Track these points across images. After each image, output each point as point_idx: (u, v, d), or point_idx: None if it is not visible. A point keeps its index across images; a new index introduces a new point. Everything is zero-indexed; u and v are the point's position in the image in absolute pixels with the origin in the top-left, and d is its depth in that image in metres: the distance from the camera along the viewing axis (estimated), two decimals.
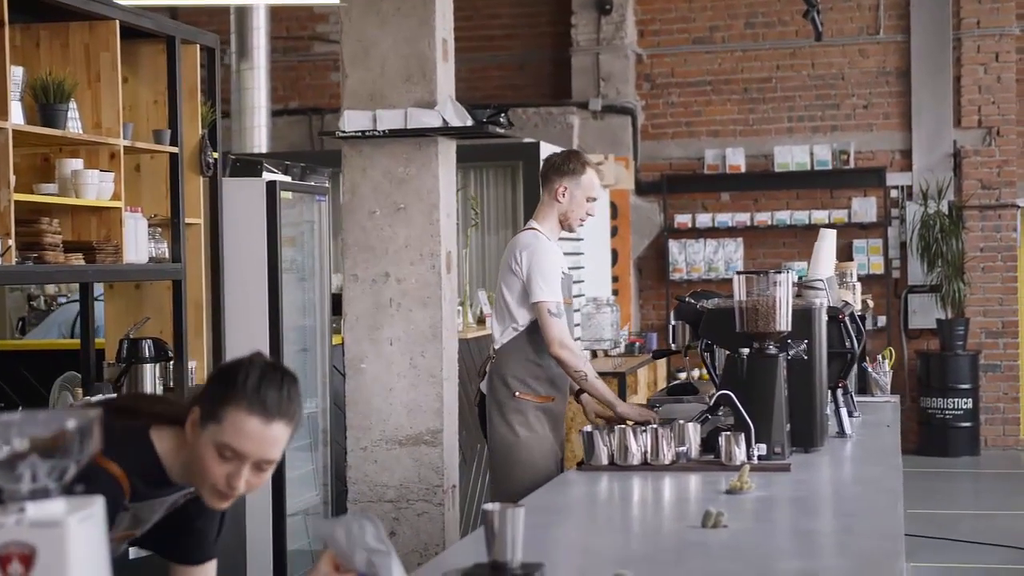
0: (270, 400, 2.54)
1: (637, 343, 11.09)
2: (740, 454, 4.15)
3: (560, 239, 5.32)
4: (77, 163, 4.95)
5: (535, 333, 5.12)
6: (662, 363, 11.16)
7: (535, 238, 5.18)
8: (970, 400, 12.18)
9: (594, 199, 5.29)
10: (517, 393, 5.15)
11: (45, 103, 4.72)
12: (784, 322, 4.36)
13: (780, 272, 4.39)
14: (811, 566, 2.96)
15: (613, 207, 12.36)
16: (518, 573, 2.71)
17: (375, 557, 2.48)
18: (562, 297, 5.10)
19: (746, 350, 4.38)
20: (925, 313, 12.50)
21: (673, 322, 5.15)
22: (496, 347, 5.25)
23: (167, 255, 5.47)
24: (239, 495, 2.61)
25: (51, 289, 8.60)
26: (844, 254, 12.29)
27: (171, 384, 5.49)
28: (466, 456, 7.05)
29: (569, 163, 5.25)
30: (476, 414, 5.46)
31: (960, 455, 12.12)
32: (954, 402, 12.16)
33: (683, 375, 12.25)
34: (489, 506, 2.71)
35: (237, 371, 2.57)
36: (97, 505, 1.76)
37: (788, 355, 4.42)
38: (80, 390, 5.37)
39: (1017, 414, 12.58)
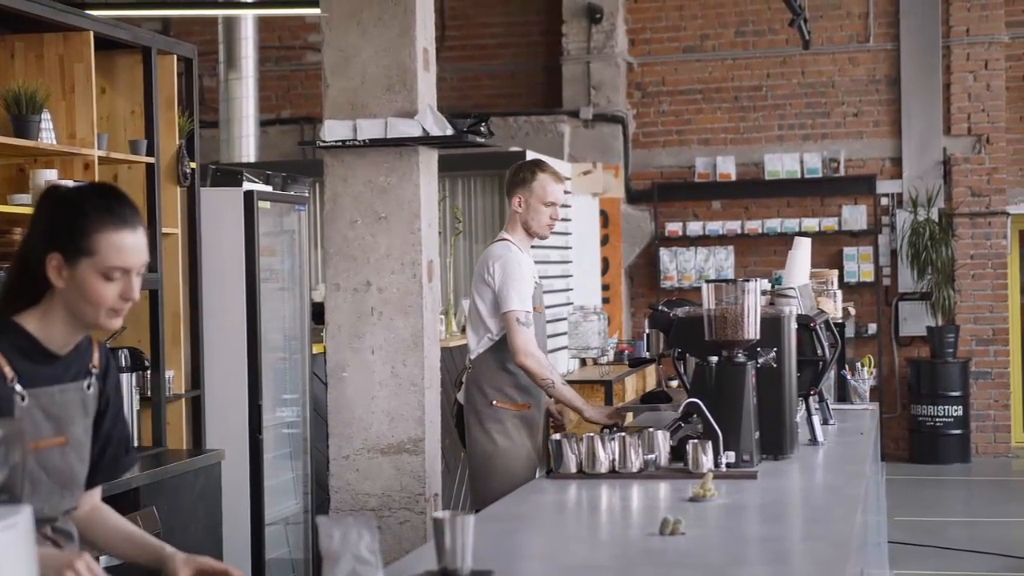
0: (125, 213, 2.68)
1: (627, 351, 11.10)
2: (707, 462, 4.16)
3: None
4: (51, 173, 4.97)
5: None
6: (651, 371, 11.17)
7: (507, 249, 5.26)
8: (960, 407, 12.19)
9: (552, 203, 5.34)
10: (494, 402, 5.23)
11: (17, 114, 4.74)
12: (752, 330, 4.37)
13: (749, 280, 4.40)
14: (762, 572, 2.98)
15: (604, 215, 12.39)
16: None
17: (360, 567, 2.50)
18: (531, 307, 5.16)
19: (715, 358, 4.39)
20: (916, 320, 12.51)
21: (647, 330, 5.18)
22: (472, 357, 5.33)
23: None
24: (129, 307, 2.70)
25: None
26: (834, 262, 12.31)
27: (148, 394, 5.51)
28: (449, 464, 7.06)
29: (519, 173, 5.38)
30: (455, 424, 5.50)
31: (951, 462, 12.12)
32: (944, 409, 12.17)
33: (674, 383, 12.26)
34: (438, 514, 2.73)
35: (78, 203, 2.67)
36: (23, 514, 1.78)
37: (757, 363, 4.43)
38: None
39: (1008, 421, 12.59)
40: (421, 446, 5.80)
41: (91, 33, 5.11)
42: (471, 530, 2.73)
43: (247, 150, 10.42)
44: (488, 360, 5.26)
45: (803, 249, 5.54)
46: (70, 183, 2.75)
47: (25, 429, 1.82)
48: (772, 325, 4.52)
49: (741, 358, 4.39)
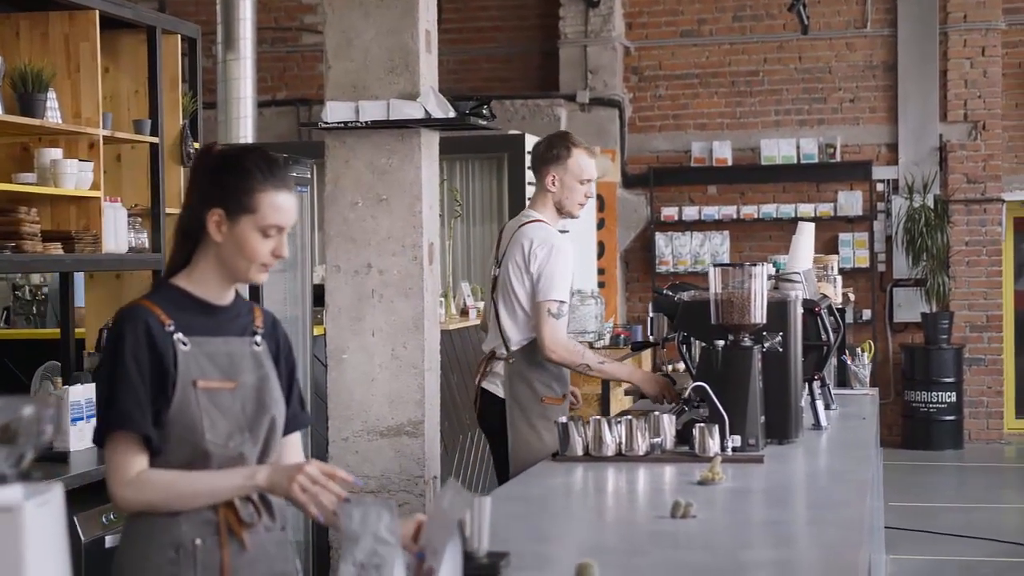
0: (284, 175, 2.87)
1: (623, 335, 11.11)
2: (714, 446, 4.17)
3: None
4: (56, 152, 4.95)
5: None
6: (647, 355, 11.19)
7: (549, 233, 5.03)
8: (954, 393, 12.22)
9: (588, 180, 5.10)
10: (544, 399, 5.03)
11: (24, 92, 4.72)
12: (759, 314, 4.37)
13: (755, 265, 4.40)
14: (774, 555, 2.99)
15: (600, 200, 12.38)
16: (484, 562, 2.74)
17: (380, 547, 2.52)
18: (567, 294, 4.97)
19: (721, 342, 4.39)
20: (910, 307, 12.54)
21: (651, 314, 5.15)
22: (512, 347, 5.07)
23: (147, 245, 5.48)
24: (276, 263, 2.88)
25: (36, 279, 8.59)
26: (830, 247, 12.33)
27: None
28: (447, 447, 7.07)
29: (553, 149, 5.11)
30: (477, 414, 5.31)
31: (944, 448, 12.16)
32: (938, 395, 12.20)
33: (668, 367, 12.28)
34: None
35: (243, 163, 2.84)
36: (55, 492, 1.78)
37: (763, 347, 4.43)
38: (60, 379, 5.38)
39: (1000, 408, 12.62)
40: (421, 429, 5.81)
41: (96, 12, 5.09)
42: (488, 511, 2.73)
43: (244, 131, 10.35)
44: (533, 352, 5.01)
45: (807, 234, 5.54)
46: (221, 145, 2.92)
47: (52, 405, 1.82)
48: (778, 309, 4.53)
49: (747, 342, 4.39)
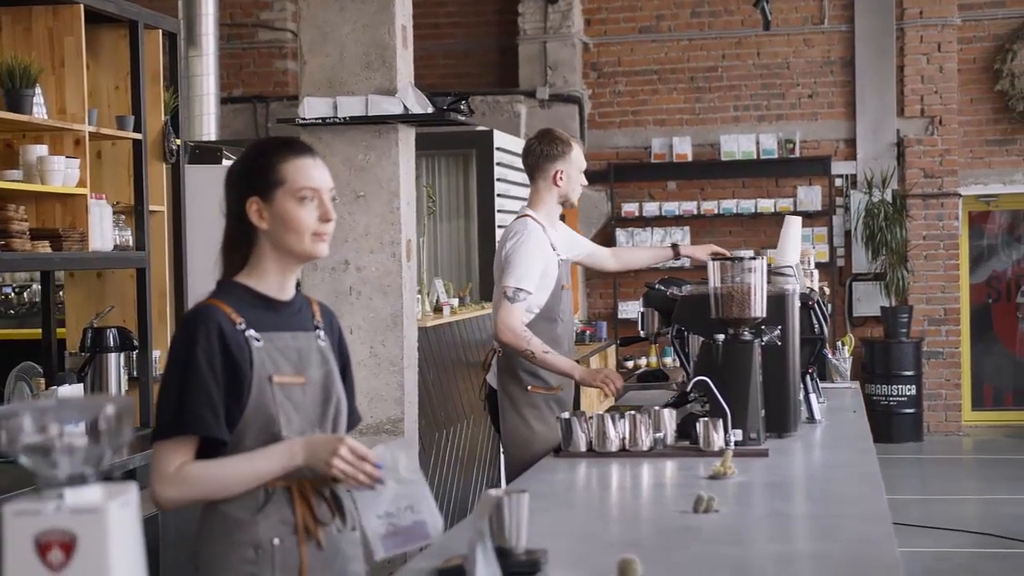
0: (301, 145, 2.88)
1: (587, 332, 11.14)
2: (719, 440, 4.17)
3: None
4: (42, 149, 4.87)
5: (541, 324, 5.05)
6: (612, 351, 11.22)
7: (524, 225, 5.12)
8: (913, 387, 12.32)
9: (583, 169, 5.32)
10: (529, 387, 5.10)
11: (11, 88, 4.64)
12: (759, 308, 4.37)
13: (755, 258, 4.40)
14: (808, 549, 2.98)
15: None
16: (523, 558, 2.72)
17: (405, 488, 2.52)
18: (529, 285, 5.01)
19: (721, 336, 4.39)
20: (869, 301, 12.63)
21: (642, 309, 5.14)
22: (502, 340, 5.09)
23: (131, 243, 5.40)
24: (331, 231, 2.84)
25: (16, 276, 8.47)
26: None
27: (135, 374, 5.43)
28: (425, 445, 7.03)
29: (557, 147, 5.22)
30: (486, 408, 5.33)
31: (904, 441, 12.26)
32: (898, 389, 12.30)
33: (630, 363, 12.30)
34: (494, 492, 2.70)
35: (258, 150, 2.87)
36: (132, 492, 1.75)
37: (763, 341, 4.43)
38: (42, 380, 5.29)
39: (959, 400, 12.75)
40: (400, 426, 5.79)
41: (81, 6, 5.00)
42: (527, 508, 2.71)
43: (208, 129, 10.25)
44: None
45: (795, 227, 5.55)
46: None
47: (132, 406, 1.78)
48: (776, 303, 4.53)
49: (747, 336, 4.39)
